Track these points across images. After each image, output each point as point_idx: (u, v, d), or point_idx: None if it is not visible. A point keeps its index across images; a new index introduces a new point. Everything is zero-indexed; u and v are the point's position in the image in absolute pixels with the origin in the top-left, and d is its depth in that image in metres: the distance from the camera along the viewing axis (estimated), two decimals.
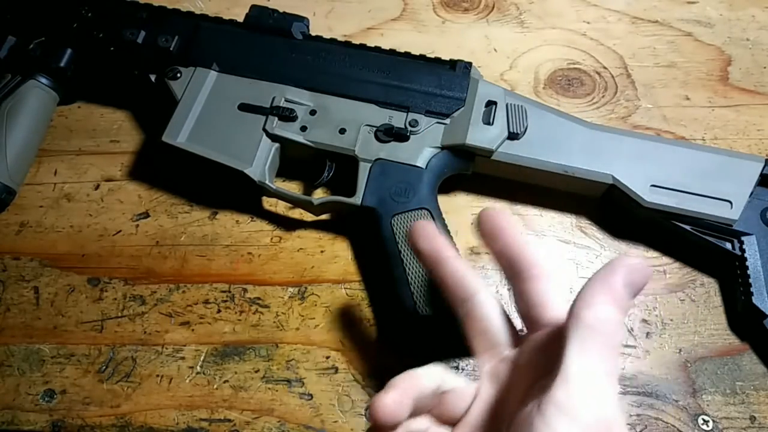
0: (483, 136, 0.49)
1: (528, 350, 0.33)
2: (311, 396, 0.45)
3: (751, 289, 0.46)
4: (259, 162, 0.49)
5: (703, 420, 0.45)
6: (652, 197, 0.48)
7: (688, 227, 0.48)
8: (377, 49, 0.54)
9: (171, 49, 0.52)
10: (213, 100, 0.51)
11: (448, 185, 0.52)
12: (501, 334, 0.35)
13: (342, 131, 0.50)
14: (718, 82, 0.60)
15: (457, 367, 0.46)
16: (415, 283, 0.45)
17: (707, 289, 0.50)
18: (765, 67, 0.61)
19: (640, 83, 0.60)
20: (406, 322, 0.45)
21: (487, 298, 0.35)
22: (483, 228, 0.37)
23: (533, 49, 0.62)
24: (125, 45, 0.53)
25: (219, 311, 0.48)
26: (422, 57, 0.53)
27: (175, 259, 0.50)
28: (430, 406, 0.34)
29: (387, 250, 0.47)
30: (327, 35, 0.55)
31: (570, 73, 0.60)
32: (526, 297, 0.34)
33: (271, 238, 0.51)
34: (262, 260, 0.50)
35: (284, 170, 0.53)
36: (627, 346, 0.48)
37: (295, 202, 0.51)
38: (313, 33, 0.55)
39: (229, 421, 0.44)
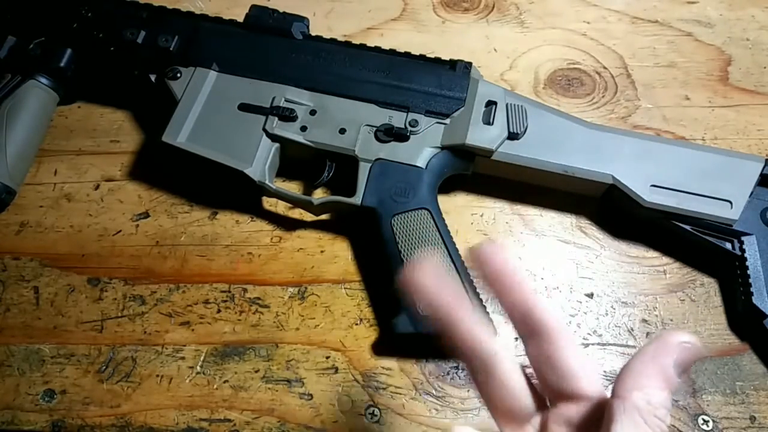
0: (483, 136, 0.49)
1: (559, 425, 0.30)
2: (311, 396, 0.45)
3: (751, 289, 0.46)
4: (259, 162, 0.49)
5: (703, 420, 0.45)
6: (652, 197, 0.48)
7: (688, 227, 0.48)
8: (377, 49, 0.54)
9: (171, 49, 0.52)
10: (213, 100, 0.51)
11: (448, 185, 0.52)
12: (524, 401, 0.31)
13: (342, 131, 0.50)
14: (718, 82, 0.60)
15: (456, 367, 0.46)
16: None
17: (707, 289, 0.50)
18: (765, 67, 0.61)
19: (640, 83, 0.60)
20: (406, 322, 0.45)
21: (507, 360, 0.31)
22: (486, 271, 0.32)
23: (533, 49, 0.62)
24: (125, 45, 0.53)
25: (219, 311, 0.48)
26: (422, 57, 0.53)
27: (175, 259, 0.50)
28: None
29: (387, 250, 0.47)
30: (327, 35, 0.55)
31: (570, 73, 0.60)
32: (552, 364, 0.30)
33: (271, 238, 0.51)
34: (262, 260, 0.50)
35: (284, 170, 0.53)
36: (627, 346, 0.48)
37: (295, 202, 0.51)
38: (313, 33, 0.55)
39: (229, 421, 0.44)
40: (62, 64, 0.53)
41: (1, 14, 0.54)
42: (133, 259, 0.50)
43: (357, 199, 0.48)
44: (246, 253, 0.51)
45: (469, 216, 0.53)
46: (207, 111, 0.51)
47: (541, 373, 0.31)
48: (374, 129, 0.50)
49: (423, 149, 0.50)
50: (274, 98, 0.51)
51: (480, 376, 0.31)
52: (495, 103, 0.50)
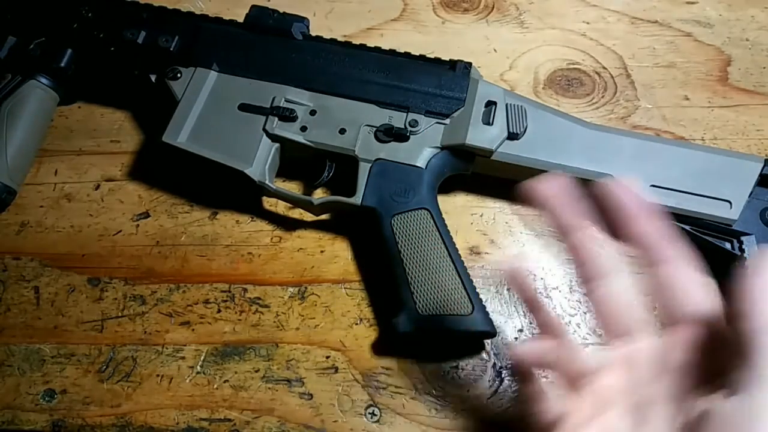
0: (483, 136, 0.49)
1: (674, 348, 0.31)
2: (311, 396, 0.45)
3: None
4: (259, 162, 0.49)
5: None
6: (651, 197, 0.48)
7: (687, 227, 0.48)
8: (377, 49, 0.54)
9: (171, 49, 0.52)
10: (213, 100, 0.51)
11: (448, 185, 0.52)
12: (634, 321, 0.33)
13: (342, 131, 0.50)
14: (717, 82, 0.60)
15: (456, 367, 0.46)
16: (415, 283, 0.45)
17: None
18: (764, 68, 0.61)
19: (639, 83, 0.60)
20: (406, 322, 0.45)
21: (622, 281, 0.33)
22: (615, 202, 0.34)
23: (533, 50, 0.62)
24: (125, 45, 0.53)
25: (219, 311, 0.48)
26: (422, 57, 0.53)
27: (175, 259, 0.50)
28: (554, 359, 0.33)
29: (387, 250, 0.47)
30: (327, 35, 0.55)
31: (569, 73, 0.61)
32: (673, 288, 0.32)
33: (271, 238, 0.51)
34: (262, 260, 0.50)
35: (284, 170, 0.53)
36: None
37: (295, 202, 0.51)
38: (313, 33, 0.55)
39: (229, 420, 0.44)
40: (62, 64, 0.53)
41: (1, 14, 0.54)
42: (134, 259, 0.50)
43: (357, 199, 0.48)
44: (246, 253, 0.51)
45: (469, 216, 0.53)
46: (207, 111, 0.51)
47: (662, 297, 0.32)
48: (374, 129, 0.50)
49: (423, 149, 0.50)
50: (274, 98, 0.51)
51: (593, 284, 0.34)
52: (495, 103, 0.51)
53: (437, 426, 0.44)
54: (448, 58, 0.53)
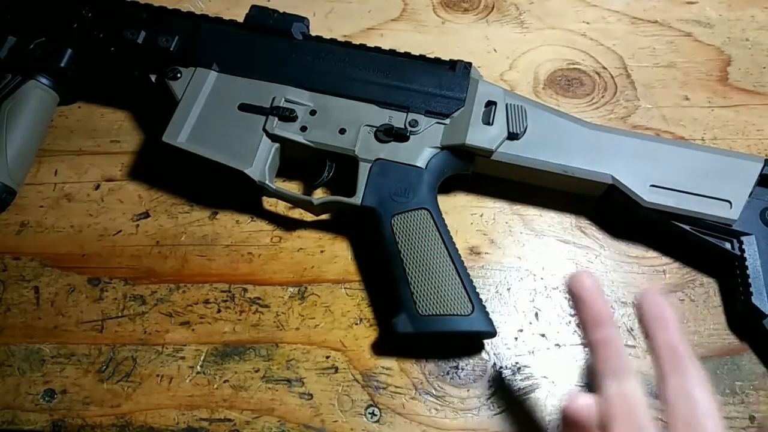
0: (483, 136, 0.49)
1: None
2: (311, 396, 0.45)
3: (751, 289, 0.46)
4: (259, 162, 0.49)
5: None
6: (651, 197, 0.48)
7: (687, 227, 0.48)
8: (377, 49, 0.54)
9: (171, 49, 0.52)
10: (213, 100, 0.51)
11: (448, 185, 0.52)
12: (646, 423, 0.34)
13: (342, 131, 0.50)
14: (717, 82, 0.60)
15: (456, 367, 0.46)
16: (415, 283, 0.45)
17: (707, 289, 0.50)
18: (764, 68, 0.61)
19: (639, 83, 0.60)
20: (406, 322, 0.45)
21: (636, 385, 0.35)
22: (649, 312, 0.36)
23: (533, 50, 0.62)
24: (125, 45, 0.53)
25: (219, 311, 0.48)
26: (422, 57, 0.53)
27: (175, 259, 0.50)
28: None
29: (387, 250, 0.47)
30: (327, 35, 0.55)
31: (570, 73, 0.61)
32: (689, 399, 0.33)
33: (271, 238, 0.51)
34: (262, 260, 0.50)
35: (284, 170, 0.53)
36: (626, 345, 0.48)
37: (295, 202, 0.51)
38: (313, 33, 0.55)
39: (229, 420, 0.44)
40: (62, 65, 0.53)
41: (1, 14, 0.54)
42: (134, 259, 0.50)
43: (357, 199, 0.48)
44: (246, 253, 0.51)
45: (469, 216, 0.53)
46: (207, 111, 0.51)
47: (676, 406, 0.34)
48: (374, 129, 0.50)
49: (423, 149, 0.50)
50: (274, 98, 0.51)
51: (611, 384, 0.35)
52: (495, 103, 0.51)
53: (437, 426, 0.44)
54: (448, 58, 0.53)
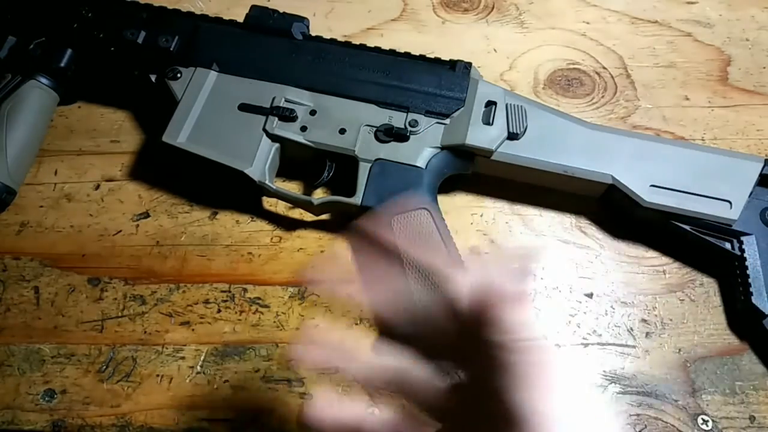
0: (483, 136, 0.49)
1: None
2: (311, 396, 0.45)
3: (751, 289, 0.46)
4: (259, 162, 0.49)
5: (703, 420, 0.45)
6: (651, 197, 0.48)
7: (687, 227, 0.48)
8: (377, 49, 0.54)
9: (171, 49, 0.52)
10: (213, 100, 0.51)
11: (448, 185, 0.52)
12: None
13: (342, 131, 0.50)
14: (717, 82, 0.60)
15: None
16: (415, 282, 0.45)
17: (707, 289, 0.50)
18: (764, 68, 0.61)
19: (639, 83, 0.60)
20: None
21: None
22: None
23: (533, 50, 0.62)
24: (125, 45, 0.53)
25: (219, 311, 0.48)
26: (422, 57, 0.53)
27: (175, 259, 0.50)
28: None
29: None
30: (327, 35, 0.55)
31: (570, 73, 0.61)
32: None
33: (271, 238, 0.51)
34: (262, 260, 0.50)
35: (284, 170, 0.53)
36: (626, 345, 0.48)
37: (295, 202, 0.51)
38: (313, 33, 0.55)
39: (229, 420, 0.44)
40: (62, 65, 0.53)
41: (1, 14, 0.54)
42: (134, 259, 0.50)
43: (357, 199, 0.48)
44: (246, 253, 0.51)
45: (469, 216, 0.53)
46: (207, 111, 0.51)
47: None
48: (374, 129, 0.50)
49: (423, 149, 0.50)
50: (274, 98, 0.51)
51: None
52: (495, 103, 0.51)
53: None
54: (448, 58, 0.53)
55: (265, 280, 0.50)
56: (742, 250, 0.48)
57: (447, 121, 0.50)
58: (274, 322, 0.48)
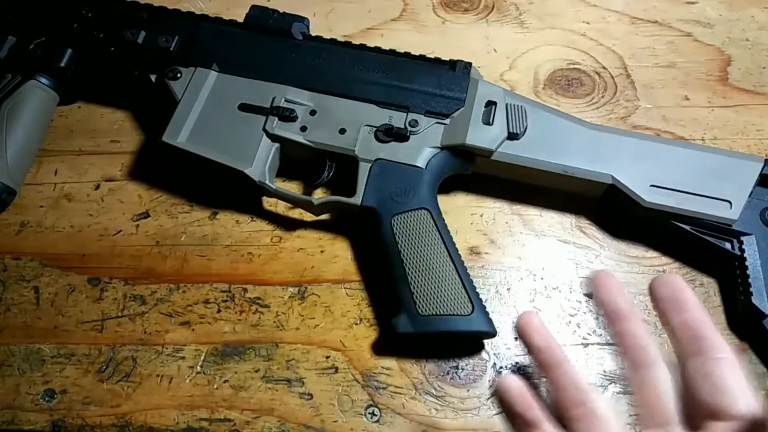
0: (483, 136, 0.49)
1: None
2: (311, 396, 0.45)
3: (751, 289, 0.46)
4: (259, 162, 0.49)
5: None
6: (651, 197, 0.48)
7: (687, 227, 0.48)
8: (377, 49, 0.54)
9: (171, 49, 0.52)
10: (213, 100, 0.51)
11: (448, 185, 0.52)
12: (671, 413, 0.32)
13: (342, 131, 0.50)
14: (717, 82, 0.60)
15: (456, 367, 0.46)
16: (415, 283, 0.45)
17: (707, 289, 0.50)
18: (764, 68, 0.61)
19: (639, 83, 0.60)
20: (406, 322, 0.45)
21: (663, 372, 0.33)
22: (661, 293, 0.35)
23: (533, 50, 0.62)
24: (125, 45, 0.53)
25: (219, 311, 0.48)
26: (422, 57, 0.53)
27: (175, 259, 0.50)
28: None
29: (387, 250, 0.47)
30: (327, 35, 0.55)
31: (570, 73, 0.61)
32: (710, 381, 0.31)
33: (271, 238, 0.51)
34: (262, 260, 0.50)
35: (284, 170, 0.53)
36: None
37: (295, 202, 0.51)
38: (313, 33, 0.55)
39: (229, 420, 0.44)
40: (62, 64, 0.53)
41: (1, 14, 0.54)
42: (134, 259, 0.50)
43: (357, 199, 0.48)
44: (246, 253, 0.51)
45: (469, 216, 0.53)
46: (207, 111, 0.51)
47: (699, 390, 0.32)
48: (374, 129, 0.50)
49: (423, 149, 0.50)
50: (274, 98, 0.51)
51: (635, 375, 0.34)
52: (495, 103, 0.51)
53: (437, 426, 0.44)
54: (448, 58, 0.53)
55: (265, 280, 0.50)
56: (742, 250, 0.48)
57: (447, 121, 0.50)
58: (274, 322, 0.48)
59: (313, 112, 0.51)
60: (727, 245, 0.48)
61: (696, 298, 0.34)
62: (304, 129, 0.50)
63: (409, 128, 0.50)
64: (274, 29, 0.54)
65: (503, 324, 0.48)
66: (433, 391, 0.46)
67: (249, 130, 0.50)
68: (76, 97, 0.57)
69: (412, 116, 0.51)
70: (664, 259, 0.51)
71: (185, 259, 0.50)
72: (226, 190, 0.52)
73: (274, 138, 0.50)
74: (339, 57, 0.53)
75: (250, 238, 0.51)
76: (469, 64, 0.53)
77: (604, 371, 0.46)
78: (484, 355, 0.47)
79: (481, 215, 0.53)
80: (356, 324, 0.48)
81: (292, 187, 0.53)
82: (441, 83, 0.51)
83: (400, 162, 0.49)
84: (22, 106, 0.52)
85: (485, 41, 0.62)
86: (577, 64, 0.61)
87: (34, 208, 0.52)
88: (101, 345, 0.47)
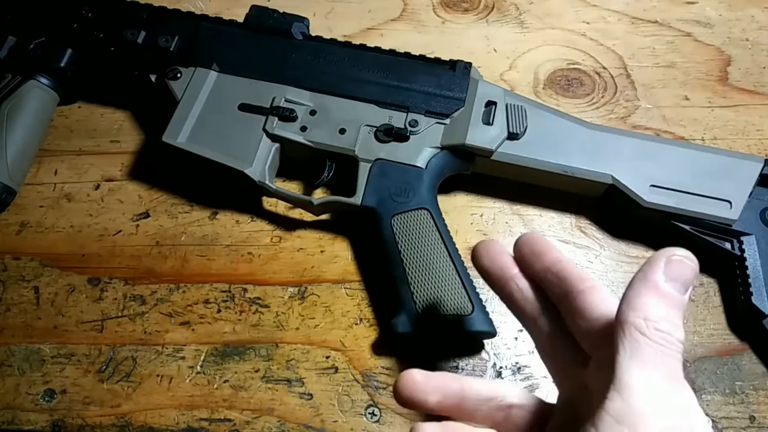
0: (483, 136, 0.49)
1: (594, 371, 0.30)
2: (311, 396, 0.45)
3: (751, 289, 0.46)
4: (259, 162, 0.49)
5: None
6: (651, 197, 0.48)
7: (687, 227, 0.48)
8: (377, 49, 0.54)
9: (171, 49, 0.52)
10: (213, 100, 0.51)
11: (448, 185, 0.52)
12: (570, 352, 0.32)
13: (342, 131, 0.50)
14: (717, 82, 0.60)
15: (456, 367, 0.46)
16: (415, 283, 0.45)
17: (707, 289, 0.50)
18: (764, 67, 0.61)
19: (639, 83, 0.60)
20: (406, 322, 0.45)
21: (556, 316, 0.33)
22: (522, 250, 0.35)
23: (533, 50, 0.62)
24: (125, 45, 0.53)
25: (219, 311, 0.48)
26: (422, 57, 0.53)
27: (175, 259, 0.50)
28: (494, 419, 0.33)
29: (387, 250, 0.47)
30: (327, 35, 0.55)
31: (569, 73, 0.61)
32: (582, 313, 0.31)
33: (271, 238, 0.51)
34: (262, 260, 0.50)
35: (284, 170, 0.53)
36: None
37: (295, 202, 0.51)
38: (313, 33, 0.55)
39: (229, 420, 0.44)
40: (62, 64, 0.53)
41: (1, 14, 0.54)
42: (134, 259, 0.50)
43: (357, 199, 0.48)
44: (246, 253, 0.51)
45: (469, 216, 0.53)
46: (207, 111, 0.51)
47: (576, 325, 0.32)
48: (374, 129, 0.50)
49: (423, 149, 0.50)
50: (274, 98, 0.51)
51: (533, 326, 0.34)
52: (495, 103, 0.51)
53: None
54: (448, 58, 0.53)
55: (265, 280, 0.50)
56: (742, 250, 0.48)
57: (447, 121, 0.50)
58: (274, 322, 0.48)
59: (313, 112, 0.51)
60: (727, 245, 0.48)
61: (553, 246, 0.34)
62: (304, 129, 0.50)
63: (409, 128, 0.50)
64: (274, 29, 0.54)
65: (503, 324, 0.48)
66: None
67: (249, 130, 0.50)
68: (76, 97, 0.57)
69: (412, 116, 0.51)
70: None
71: (185, 259, 0.50)
72: (226, 190, 0.52)
73: (274, 138, 0.50)
74: (339, 57, 0.53)
75: (250, 238, 0.51)
76: (469, 64, 0.53)
77: None
78: (484, 355, 0.47)
79: (481, 215, 0.53)
80: (356, 324, 0.48)
81: (292, 187, 0.53)
82: (441, 83, 0.51)
83: (400, 162, 0.49)
84: (22, 106, 0.52)
85: (485, 41, 0.62)
86: (577, 64, 0.61)
87: (34, 208, 0.52)
88: (101, 345, 0.47)
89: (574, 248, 0.52)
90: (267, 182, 0.49)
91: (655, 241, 0.51)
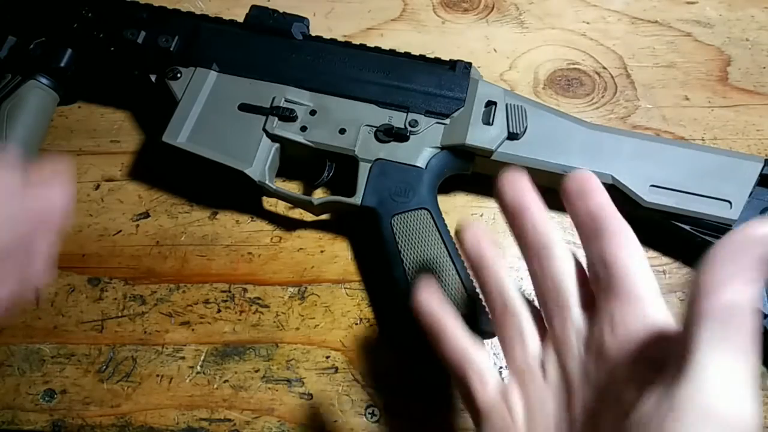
0: (483, 136, 0.49)
1: (606, 324, 0.29)
2: (311, 396, 0.45)
3: None
4: (259, 162, 0.49)
5: None
6: (651, 197, 0.48)
7: (687, 227, 0.48)
8: (377, 49, 0.54)
9: (171, 49, 0.52)
10: (213, 100, 0.51)
11: (448, 185, 0.52)
12: (571, 289, 0.32)
13: (342, 131, 0.50)
14: (717, 82, 0.60)
15: None
16: (415, 283, 0.45)
17: None
18: (764, 68, 0.61)
19: (639, 83, 0.60)
20: (406, 321, 0.45)
21: (563, 253, 0.33)
22: (570, 188, 0.35)
23: (533, 50, 0.62)
24: (125, 45, 0.53)
25: (219, 311, 0.48)
26: (422, 57, 0.53)
27: (175, 259, 0.50)
28: None
29: (387, 250, 0.47)
30: (327, 35, 0.55)
31: (569, 73, 0.61)
32: (605, 262, 0.31)
33: (271, 238, 0.51)
34: (262, 260, 0.50)
35: (284, 170, 0.53)
36: None
37: (295, 202, 0.51)
38: (313, 33, 0.55)
39: (229, 420, 0.44)
40: (62, 64, 0.53)
41: (1, 14, 0.54)
42: (134, 259, 0.50)
43: (357, 199, 0.48)
44: (246, 253, 0.51)
45: (469, 216, 0.53)
46: (207, 111, 0.51)
47: (596, 273, 0.32)
48: (374, 129, 0.50)
49: (423, 149, 0.50)
50: (274, 98, 0.51)
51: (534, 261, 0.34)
52: (495, 103, 0.51)
53: (437, 426, 0.44)
54: (448, 58, 0.53)
55: (265, 280, 0.50)
56: None
57: (447, 121, 0.50)
58: (274, 322, 0.48)
59: (313, 112, 0.51)
60: None
61: (599, 183, 0.34)
62: (304, 129, 0.50)
63: (409, 128, 0.50)
64: (274, 29, 0.54)
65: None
66: (433, 391, 0.46)
67: (249, 130, 0.50)
68: (76, 97, 0.57)
69: (412, 116, 0.51)
70: (664, 259, 0.51)
71: (185, 259, 0.50)
72: (226, 190, 0.52)
73: (274, 138, 0.50)
74: (339, 57, 0.53)
75: (250, 238, 0.51)
76: (469, 64, 0.53)
77: None
78: None
79: (481, 215, 0.53)
80: (356, 324, 0.48)
81: (292, 187, 0.53)
82: (441, 83, 0.51)
83: (400, 162, 0.49)
84: (22, 106, 0.52)
85: (485, 41, 0.63)
86: (577, 64, 0.61)
87: None
88: (101, 345, 0.47)
89: (574, 248, 0.51)
90: (267, 182, 0.49)
91: (655, 241, 0.51)
